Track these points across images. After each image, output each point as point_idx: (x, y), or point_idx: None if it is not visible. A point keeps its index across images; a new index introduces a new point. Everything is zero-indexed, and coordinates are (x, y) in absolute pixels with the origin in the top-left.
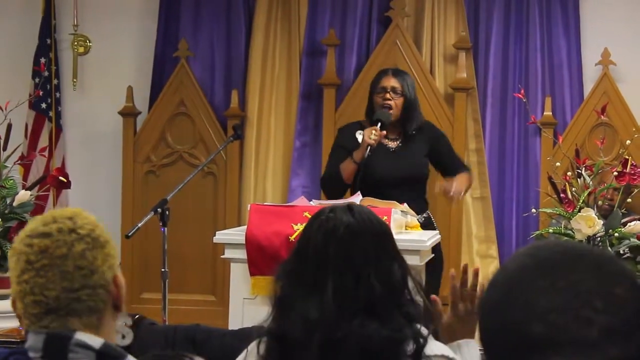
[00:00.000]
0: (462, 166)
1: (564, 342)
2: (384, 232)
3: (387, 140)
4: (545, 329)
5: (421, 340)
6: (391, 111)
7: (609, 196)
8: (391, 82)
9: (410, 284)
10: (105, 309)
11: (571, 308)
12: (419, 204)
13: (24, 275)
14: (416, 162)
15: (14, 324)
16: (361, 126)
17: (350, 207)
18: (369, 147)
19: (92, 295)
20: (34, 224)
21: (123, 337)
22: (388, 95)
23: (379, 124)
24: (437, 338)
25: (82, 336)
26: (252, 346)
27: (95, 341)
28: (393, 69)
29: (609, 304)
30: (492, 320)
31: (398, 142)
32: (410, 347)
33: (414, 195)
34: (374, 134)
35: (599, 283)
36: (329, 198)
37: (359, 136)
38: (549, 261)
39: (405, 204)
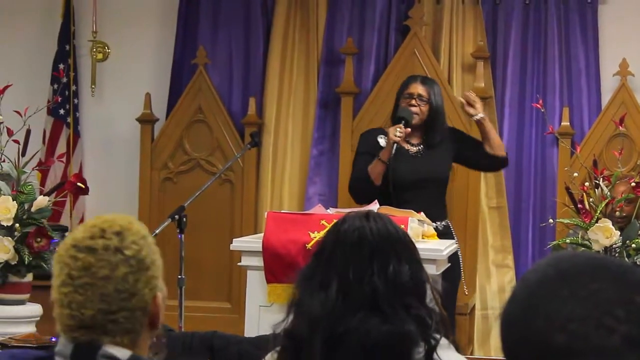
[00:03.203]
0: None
1: (586, 351)
2: (396, 237)
3: (408, 145)
4: (567, 339)
5: (432, 341)
6: (416, 115)
7: (624, 213)
8: (418, 89)
9: (429, 294)
10: (142, 330)
11: (592, 317)
12: (437, 209)
13: (63, 288)
14: (436, 166)
15: (29, 329)
16: (383, 132)
17: (367, 214)
18: (395, 145)
19: (129, 317)
20: (81, 232)
21: (156, 353)
22: (414, 102)
23: (403, 122)
24: (457, 350)
25: (110, 348)
26: (269, 357)
27: (123, 354)
28: (422, 76)
29: (630, 313)
30: (513, 331)
31: (419, 147)
32: (421, 349)
33: (433, 200)
34: (399, 131)
35: (619, 292)
36: (357, 202)
37: (382, 140)
38: (570, 271)
39: (422, 213)
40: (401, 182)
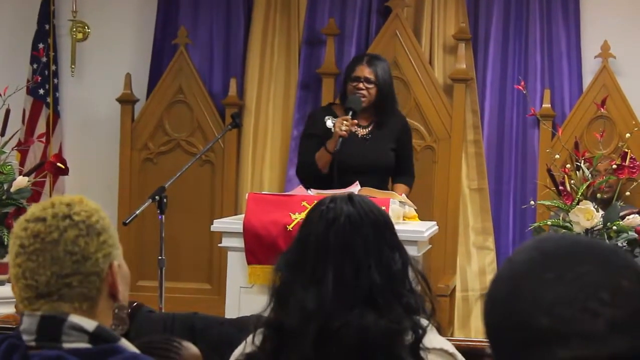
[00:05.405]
0: (407, 173)
1: (571, 334)
2: (384, 222)
3: (357, 127)
4: (552, 322)
5: (420, 331)
6: (364, 99)
7: (609, 185)
8: (365, 72)
9: (411, 274)
10: (99, 297)
11: (578, 300)
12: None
13: (17, 259)
14: (384, 152)
15: (9, 310)
16: (331, 110)
17: (350, 197)
18: (340, 138)
19: (83, 282)
20: (33, 208)
21: (118, 326)
22: (361, 85)
23: (350, 113)
24: (439, 332)
25: (76, 319)
26: (251, 338)
27: (89, 324)
28: (368, 56)
29: (616, 296)
30: (497, 314)
31: (368, 130)
32: (409, 337)
33: (377, 184)
34: (345, 125)
35: (605, 275)
36: (305, 186)
37: (329, 122)
38: (555, 254)
39: (404, 195)
40: (345, 166)
